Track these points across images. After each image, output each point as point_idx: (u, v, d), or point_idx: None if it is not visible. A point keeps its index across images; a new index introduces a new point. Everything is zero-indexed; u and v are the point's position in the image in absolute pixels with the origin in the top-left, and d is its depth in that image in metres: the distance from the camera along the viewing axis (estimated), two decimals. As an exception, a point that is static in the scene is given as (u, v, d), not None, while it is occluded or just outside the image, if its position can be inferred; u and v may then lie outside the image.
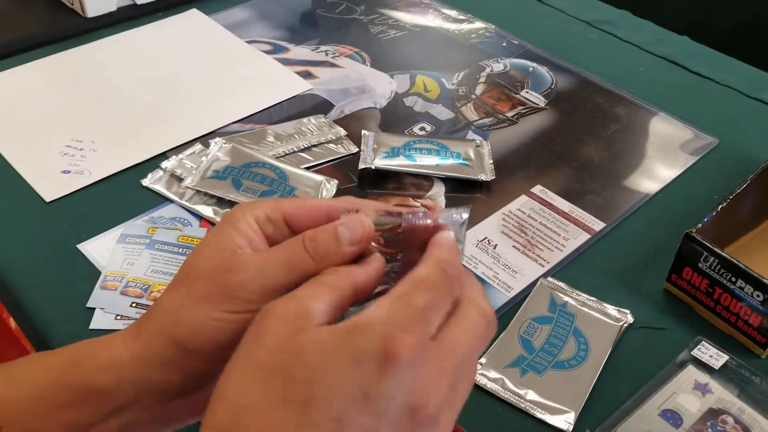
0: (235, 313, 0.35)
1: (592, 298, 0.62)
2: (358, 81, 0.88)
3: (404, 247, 0.37)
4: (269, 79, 0.88)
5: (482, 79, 0.90)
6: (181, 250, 0.64)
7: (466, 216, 0.37)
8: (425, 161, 0.74)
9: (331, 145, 0.77)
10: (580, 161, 0.77)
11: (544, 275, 0.64)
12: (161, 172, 0.72)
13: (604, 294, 0.62)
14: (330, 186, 0.71)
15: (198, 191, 0.70)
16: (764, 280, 0.55)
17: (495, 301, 0.62)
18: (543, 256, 0.66)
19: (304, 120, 0.80)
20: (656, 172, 0.76)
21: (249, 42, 0.94)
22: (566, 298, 0.61)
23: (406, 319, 0.32)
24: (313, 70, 0.90)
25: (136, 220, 0.68)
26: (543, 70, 0.91)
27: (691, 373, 0.56)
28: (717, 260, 0.57)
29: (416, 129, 0.81)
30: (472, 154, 0.76)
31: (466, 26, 1.00)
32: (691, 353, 0.57)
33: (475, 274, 0.64)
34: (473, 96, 0.87)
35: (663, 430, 0.52)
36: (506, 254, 0.66)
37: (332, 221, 0.37)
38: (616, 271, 0.65)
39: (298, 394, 0.30)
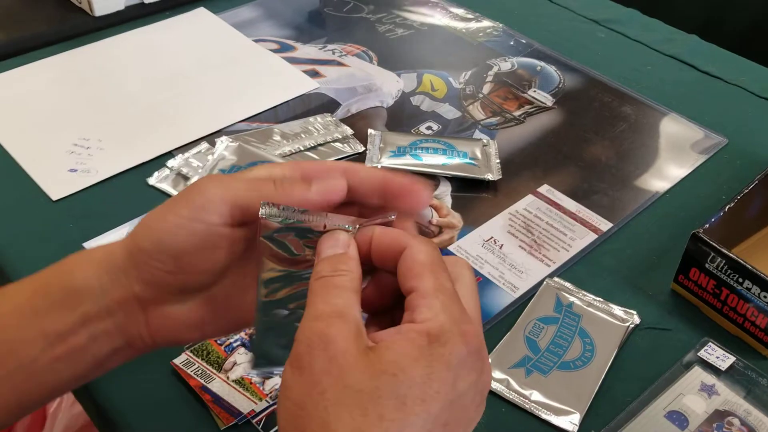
0: (188, 219, 0.37)
1: (598, 298, 0.61)
2: (365, 80, 0.88)
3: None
4: (276, 78, 0.88)
5: (489, 78, 0.89)
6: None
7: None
8: (432, 160, 0.74)
9: (338, 144, 0.77)
10: (587, 161, 0.77)
11: (550, 275, 0.64)
12: (167, 171, 0.73)
13: (611, 294, 0.62)
14: (336, 185, 0.71)
15: (204, 190, 0.70)
16: (772, 281, 0.54)
17: (500, 301, 0.62)
18: (549, 256, 0.66)
19: (311, 119, 0.80)
20: (664, 172, 0.76)
21: (256, 41, 0.94)
22: (572, 299, 0.61)
23: (459, 309, 0.34)
24: (320, 68, 0.90)
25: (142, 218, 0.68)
26: (551, 69, 0.91)
27: (698, 374, 0.55)
28: (724, 261, 0.57)
29: (423, 128, 0.81)
30: (478, 154, 0.75)
31: (473, 25, 1.00)
32: (698, 354, 0.57)
33: (481, 274, 0.64)
34: (480, 95, 0.86)
35: (669, 432, 0.52)
36: (512, 254, 0.66)
37: None
38: (623, 272, 0.65)
39: (419, 413, 0.31)
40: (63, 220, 0.68)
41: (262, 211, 0.37)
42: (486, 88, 0.88)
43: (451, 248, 0.66)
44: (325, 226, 0.37)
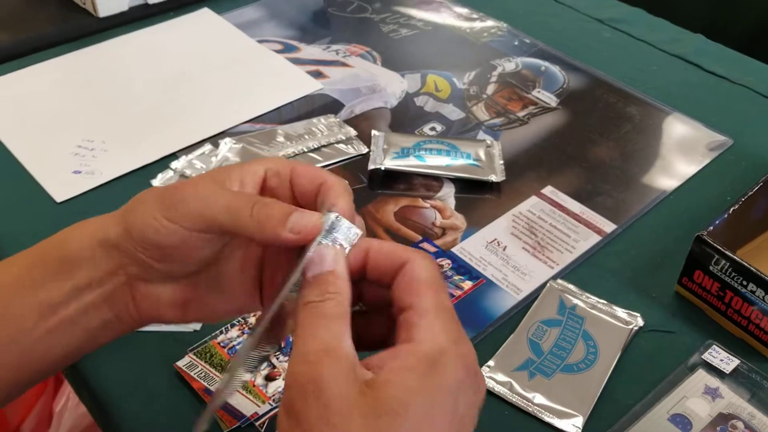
0: (168, 220, 0.38)
1: (601, 300, 0.61)
2: (369, 80, 0.88)
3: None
4: (280, 79, 0.88)
5: (493, 79, 0.89)
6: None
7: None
8: (435, 162, 0.74)
9: (341, 145, 0.77)
10: (591, 162, 0.77)
11: (554, 277, 0.64)
12: (171, 173, 0.73)
13: (614, 297, 0.62)
14: (339, 186, 0.71)
15: (207, 191, 0.70)
16: (776, 284, 0.54)
17: (504, 303, 0.61)
18: (553, 258, 0.66)
19: (314, 120, 0.80)
20: (669, 173, 0.76)
21: (260, 41, 0.94)
22: (576, 301, 0.61)
23: (457, 329, 0.34)
24: (323, 69, 0.90)
25: (145, 220, 0.68)
26: (555, 70, 0.91)
27: (702, 377, 0.55)
28: (728, 263, 0.56)
29: (427, 129, 0.81)
30: (482, 155, 0.75)
31: (477, 25, 1.00)
32: (702, 357, 0.56)
33: (484, 276, 0.64)
34: (484, 95, 0.86)
35: (672, 436, 0.51)
36: (516, 256, 0.66)
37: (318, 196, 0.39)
38: (627, 274, 0.65)
39: None
40: (67, 222, 0.67)
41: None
42: (490, 89, 0.87)
43: (454, 250, 0.66)
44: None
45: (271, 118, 0.82)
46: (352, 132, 0.79)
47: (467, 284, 0.63)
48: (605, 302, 0.61)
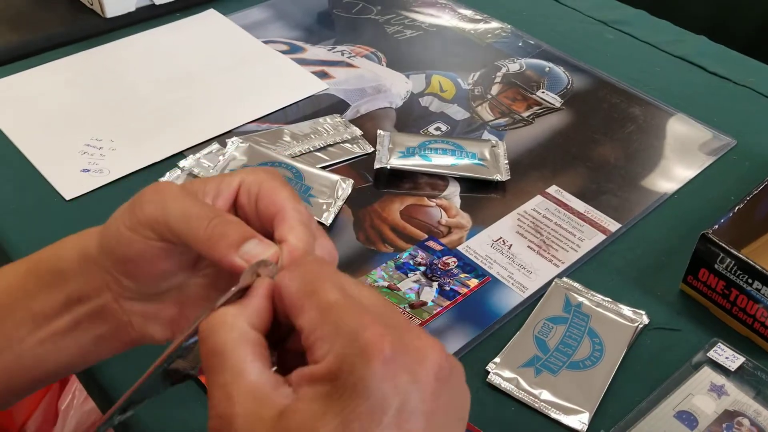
0: (127, 229, 0.37)
1: (607, 298, 0.62)
2: (374, 81, 0.88)
3: None
4: (285, 79, 0.88)
5: (498, 79, 0.90)
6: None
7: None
8: (440, 161, 0.74)
9: (347, 144, 0.78)
10: (595, 161, 0.77)
11: (559, 275, 0.64)
12: (179, 171, 0.73)
13: (619, 295, 0.62)
14: (345, 185, 0.72)
15: (215, 190, 0.70)
16: (781, 282, 0.55)
17: (509, 301, 0.62)
18: (558, 257, 0.66)
19: (320, 120, 0.81)
20: (673, 173, 0.76)
21: (266, 42, 0.95)
22: (581, 299, 0.61)
23: (355, 317, 0.29)
24: (329, 70, 0.90)
25: (153, 218, 0.68)
26: (559, 70, 0.91)
27: (707, 374, 0.56)
28: (733, 261, 0.57)
29: (432, 129, 0.81)
30: (487, 154, 0.76)
31: (482, 26, 1.00)
32: (707, 355, 0.57)
33: (490, 274, 0.64)
34: (489, 96, 0.87)
35: (678, 432, 0.52)
36: (521, 254, 0.66)
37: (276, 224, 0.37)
38: (632, 272, 0.65)
39: None
40: (76, 220, 0.69)
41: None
42: (494, 89, 0.88)
43: (460, 248, 0.66)
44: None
45: (277, 118, 0.82)
46: (358, 132, 0.79)
47: (473, 282, 0.63)
48: (610, 300, 0.61)
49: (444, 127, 0.81)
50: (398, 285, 0.63)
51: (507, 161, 0.76)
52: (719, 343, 0.58)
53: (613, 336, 0.59)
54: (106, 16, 0.95)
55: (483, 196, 0.73)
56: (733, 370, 0.56)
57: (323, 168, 0.74)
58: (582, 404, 0.54)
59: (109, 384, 0.56)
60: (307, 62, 0.91)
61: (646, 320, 0.60)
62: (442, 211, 0.71)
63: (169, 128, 0.80)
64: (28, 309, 0.39)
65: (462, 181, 0.74)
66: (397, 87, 0.88)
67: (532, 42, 0.97)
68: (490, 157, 0.76)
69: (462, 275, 0.64)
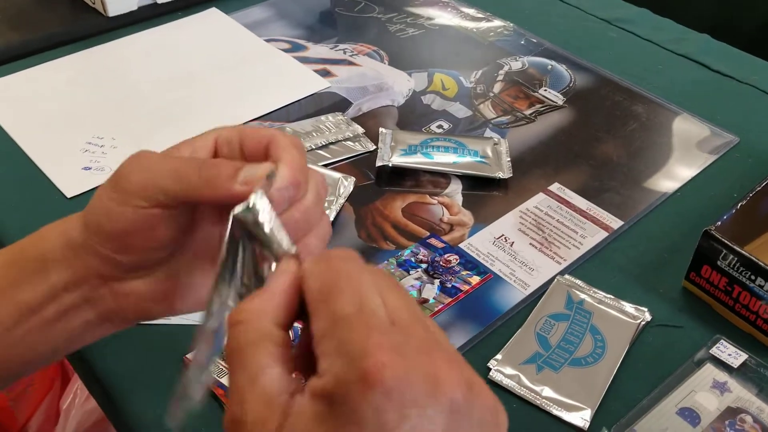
0: (116, 203, 0.36)
1: (609, 295, 0.61)
2: (376, 79, 0.88)
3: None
4: (288, 78, 0.88)
5: (500, 77, 0.90)
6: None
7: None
8: (442, 159, 0.74)
9: (349, 142, 0.78)
10: (598, 159, 0.77)
11: (561, 273, 0.64)
12: (180, 169, 0.73)
13: (622, 292, 0.62)
14: (347, 183, 0.72)
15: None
16: (784, 278, 0.54)
17: (511, 298, 0.62)
18: (560, 254, 0.66)
19: (322, 118, 0.81)
20: (675, 171, 0.76)
21: (268, 40, 0.95)
22: (583, 296, 0.61)
23: (361, 338, 0.28)
24: (331, 68, 0.90)
25: (155, 216, 0.68)
26: (561, 68, 0.91)
27: (710, 371, 0.55)
28: (736, 258, 0.57)
29: (434, 127, 0.81)
30: (489, 152, 0.76)
31: (484, 24, 1.00)
32: (710, 351, 0.57)
33: (492, 271, 0.64)
34: (491, 94, 0.87)
35: (681, 429, 0.52)
36: (523, 251, 0.66)
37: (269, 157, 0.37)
38: (634, 269, 0.65)
39: None
40: (77, 218, 0.69)
41: (236, 211, 0.34)
42: (497, 87, 0.88)
43: (462, 246, 0.66)
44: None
45: (279, 116, 0.82)
46: (360, 129, 0.79)
47: (475, 279, 0.63)
48: (612, 297, 0.61)
49: (446, 125, 0.81)
50: (400, 282, 0.62)
51: (509, 159, 0.75)
52: (722, 340, 0.57)
53: (615, 333, 0.58)
54: (108, 15, 0.95)
55: (485, 193, 0.73)
56: (735, 367, 0.55)
57: (325, 166, 0.74)
58: (584, 401, 0.54)
59: (111, 384, 0.56)
60: (309, 61, 0.91)
61: (648, 317, 0.60)
62: (444, 208, 0.71)
63: (170, 127, 0.80)
64: (12, 299, 0.39)
65: (464, 178, 0.74)
66: (399, 85, 0.88)
67: (535, 40, 0.97)
68: (492, 154, 0.75)
69: (464, 272, 0.64)
